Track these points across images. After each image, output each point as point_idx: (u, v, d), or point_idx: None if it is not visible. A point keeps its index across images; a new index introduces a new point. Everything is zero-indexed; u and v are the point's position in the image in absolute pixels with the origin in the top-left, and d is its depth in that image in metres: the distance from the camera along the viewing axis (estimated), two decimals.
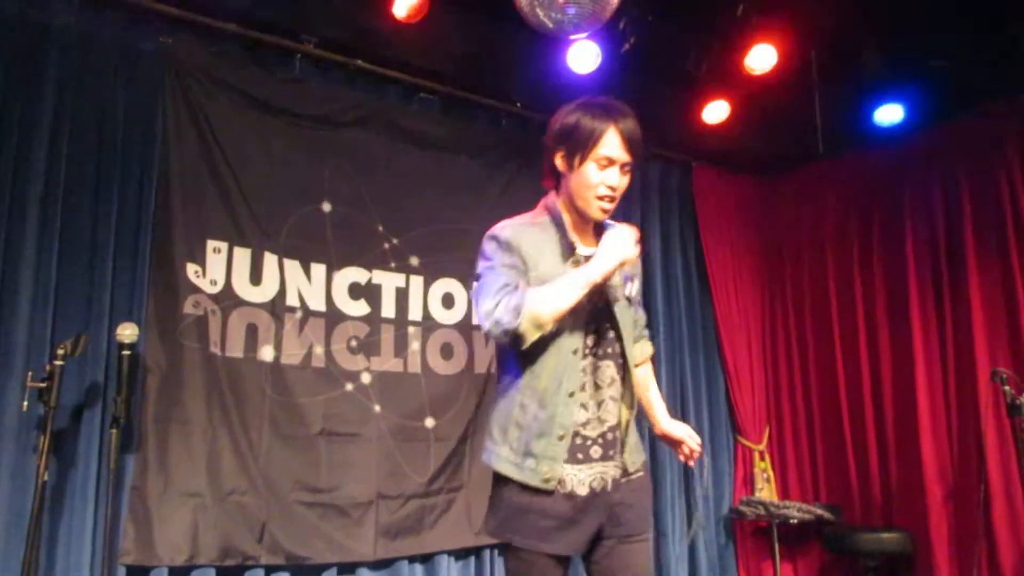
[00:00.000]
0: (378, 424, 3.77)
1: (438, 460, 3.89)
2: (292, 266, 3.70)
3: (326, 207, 3.84)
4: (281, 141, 3.75)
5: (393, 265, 3.96)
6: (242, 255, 3.58)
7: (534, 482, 1.97)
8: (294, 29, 3.83)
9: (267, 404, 3.53)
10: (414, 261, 4.03)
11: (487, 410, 4.02)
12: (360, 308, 3.85)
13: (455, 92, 4.30)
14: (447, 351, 4.06)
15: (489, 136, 4.45)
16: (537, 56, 4.13)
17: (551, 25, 3.53)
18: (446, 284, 4.12)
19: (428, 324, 4.02)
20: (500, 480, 2.04)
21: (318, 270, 3.77)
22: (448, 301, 4.12)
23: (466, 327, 4.13)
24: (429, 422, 3.92)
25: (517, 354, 2.01)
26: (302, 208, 3.77)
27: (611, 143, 2.06)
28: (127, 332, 3.07)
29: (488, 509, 2.10)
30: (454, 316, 4.12)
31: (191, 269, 3.42)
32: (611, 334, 2.09)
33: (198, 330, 3.40)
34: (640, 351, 2.35)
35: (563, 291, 1.95)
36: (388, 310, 3.90)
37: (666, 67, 4.53)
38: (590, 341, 2.06)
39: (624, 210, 4.91)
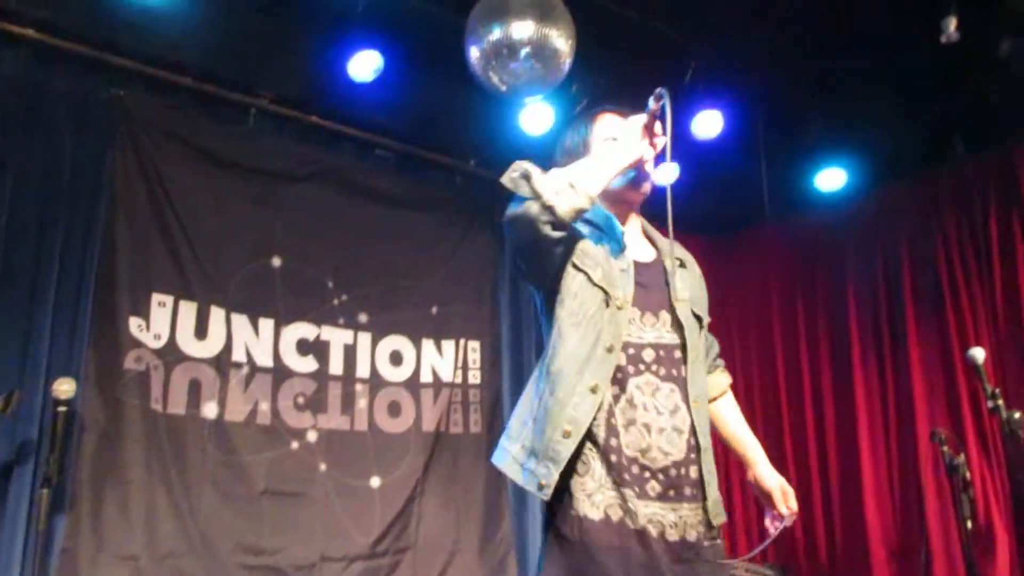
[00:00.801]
0: (323, 483, 3.70)
1: (384, 521, 3.82)
2: (239, 320, 3.66)
3: (276, 262, 3.81)
4: (232, 195, 3.73)
5: (342, 321, 3.93)
6: (188, 309, 3.53)
7: (530, 487, 1.75)
8: (250, 84, 3.85)
9: (209, 463, 3.44)
10: (363, 318, 4.01)
11: (435, 471, 4.03)
12: (308, 364, 3.81)
13: (410, 149, 4.34)
14: (394, 409, 4.02)
15: (443, 193, 4.49)
16: (491, 115, 4.21)
17: (504, 88, 3.60)
18: (394, 341, 4.10)
19: (376, 381, 3.99)
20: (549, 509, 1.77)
21: (266, 325, 3.72)
22: (396, 358, 4.09)
23: (414, 384, 4.10)
24: (375, 481, 3.85)
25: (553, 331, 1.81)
26: (252, 262, 3.74)
27: (606, 123, 2.01)
28: (64, 388, 2.98)
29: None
30: (402, 374, 4.09)
31: (134, 323, 3.36)
32: (677, 354, 1.86)
33: (139, 386, 3.32)
34: (716, 383, 2.17)
35: (595, 163, 1.82)
36: (336, 367, 3.87)
37: None
38: (648, 356, 1.83)
39: None
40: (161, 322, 3.43)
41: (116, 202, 3.41)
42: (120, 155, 3.46)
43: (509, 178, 1.77)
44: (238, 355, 3.62)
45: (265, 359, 3.69)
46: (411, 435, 4.03)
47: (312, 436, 3.73)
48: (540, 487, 1.73)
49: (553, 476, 1.72)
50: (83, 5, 3.35)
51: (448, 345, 4.28)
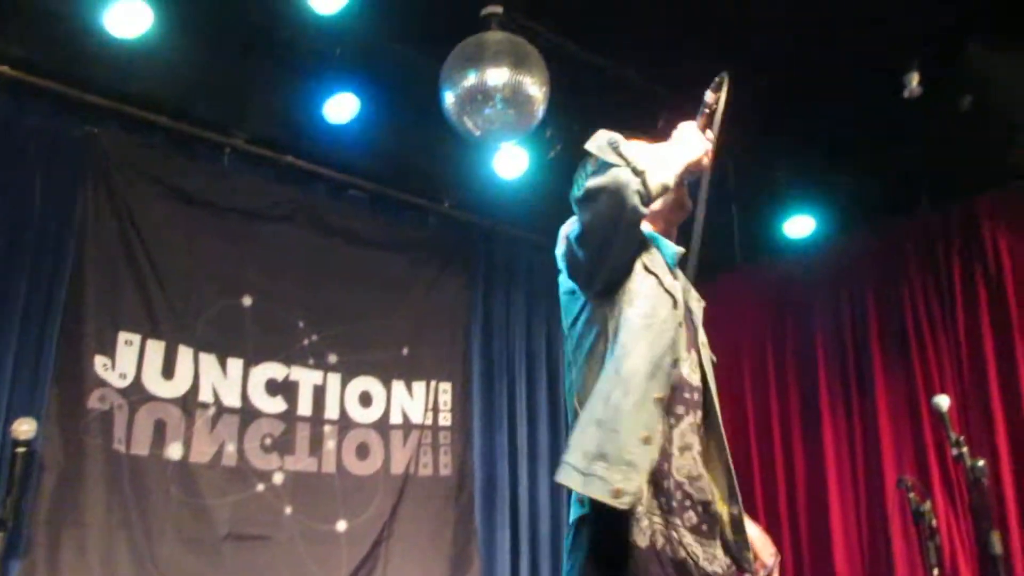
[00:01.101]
0: (289, 527, 3.64)
1: (351, 565, 3.77)
2: (208, 360, 3.62)
3: (247, 301, 3.80)
4: (205, 233, 3.73)
5: (312, 362, 3.91)
6: (155, 347, 3.49)
7: (599, 494, 1.54)
8: (225, 124, 3.87)
9: (171, 505, 3.38)
10: (333, 358, 3.99)
11: (403, 514, 3.98)
12: (276, 405, 3.77)
13: (384, 190, 4.37)
14: (363, 451, 3.99)
15: (416, 234, 4.51)
16: (465, 158, 4.24)
17: (478, 133, 3.65)
18: (364, 382, 4.08)
19: (344, 423, 3.95)
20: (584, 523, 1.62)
21: (235, 365, 3.69)
22: (365, 400, 4.07)
23: (383, 426, 4.07)
24: (342, 525, 3.80)
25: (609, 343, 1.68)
26: (222, 301, 3.72)
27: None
28: (23, 428, 2.93)
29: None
30: (371, 415, 4.06)
31: (100, 362, 3.31)
32: (697, 396, 1.81)
33: (102, 426, 3.27)
34: None
35: (669, 149, 1.74)
36: (304, 408, 3.84)
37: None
38: (687, 389, 1.77)
39: (548, 311, 4.99)
40: (127, 361, 3.39)
41: (85, 239, 3.39)
42: (92, 192, 3.45)
43: (595, 144, 1.66)
44: (205, 395, 3.58)
45: (233, 399, 3.65)
46: (379, 477, 3.99)
47: (279, 478, 3.68)
48: (616, 494, 1.53)
49: (634, 482, 1.56)
50: (59, 43, 3.35)
51: (419, 386, 4.26)
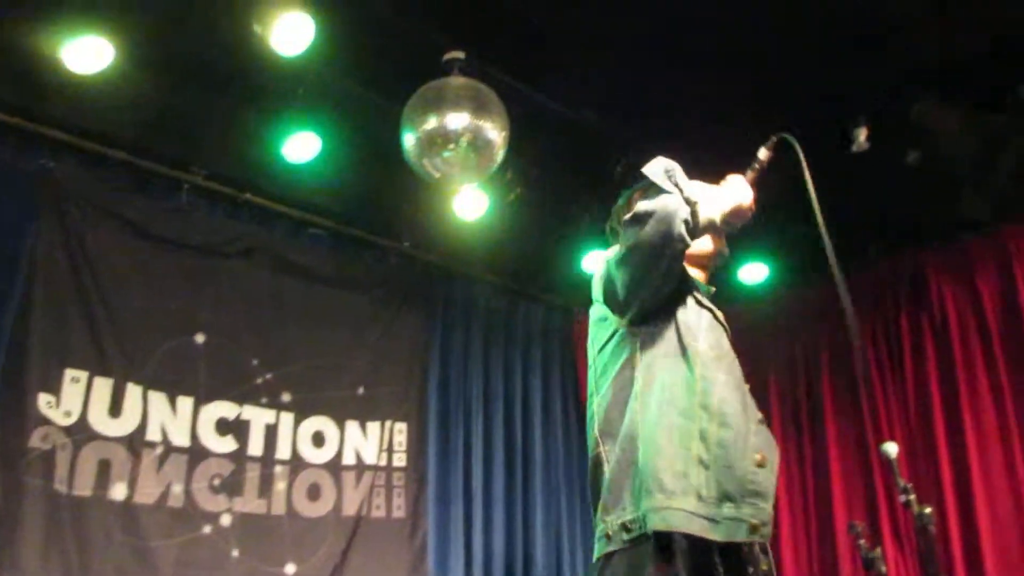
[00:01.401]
0: (235, 570, 3.56)
1: None
2: (157, 398, 3.56)
3: (200, 338, 3.75)
4: (159, 270, 3.69)
5: (264, 400, 3.86)
6: (103, 385, 3.42)
7: (741, 535, 1.57)
8: (184, 160, 3.85)
9: (114, 548, 3.28)
10: (286, 397, 3.94)
11: (355, 557, 3.92)
12: (226, 444, 3.71)
13: (344, 229, 4.37)
14: (314, 492, 3.92)
15: (376, 274, 4.50)
16: (425, 199, 4.26)
17: (437, 175, 3.69)
18: (318, 422, 4.03)
19: (296, 463, 3.89)
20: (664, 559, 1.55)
21: (184, 403, 3.63)
22: (319, 439, 4.02)
23: (336, 467, 4.02)
24: (290, 568, 3.72)
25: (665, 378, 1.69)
26: (174, 338, 3.67)
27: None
28: None
29: None
30: (324, 455, 4.01)
31: (43, 399, 3.24)
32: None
33: (43, 465, 3.18)
34: None
35: (716, 190, 1.79)
36: (255, 447, 3.77)
37: (550, 217, 4.75)
38: None
39: (506, 353, 5.00)
40: (73, 399, 3.32)
41: (35, 274, 3.33)
42: (45, 227, 3.39)
43: (651, 170, 1.69)
44: (153, 434, 3.51)
45: (181, 438, 3.58)
46: (331, 519, 3.93)
47: (226, 520, 3.61)
48: (754, 529, 1.58)
49: (767, 511, 1.61)
50: (15, 75, 3.33)
51: (373, 426, 4.23)
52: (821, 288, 4.92)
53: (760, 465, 1.63)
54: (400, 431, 4.35)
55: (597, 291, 1.87)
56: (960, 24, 3.39)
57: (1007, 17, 3.39)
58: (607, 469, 1.74)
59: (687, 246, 1.67)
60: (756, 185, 1.84)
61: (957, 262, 4.42)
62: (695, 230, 1.66)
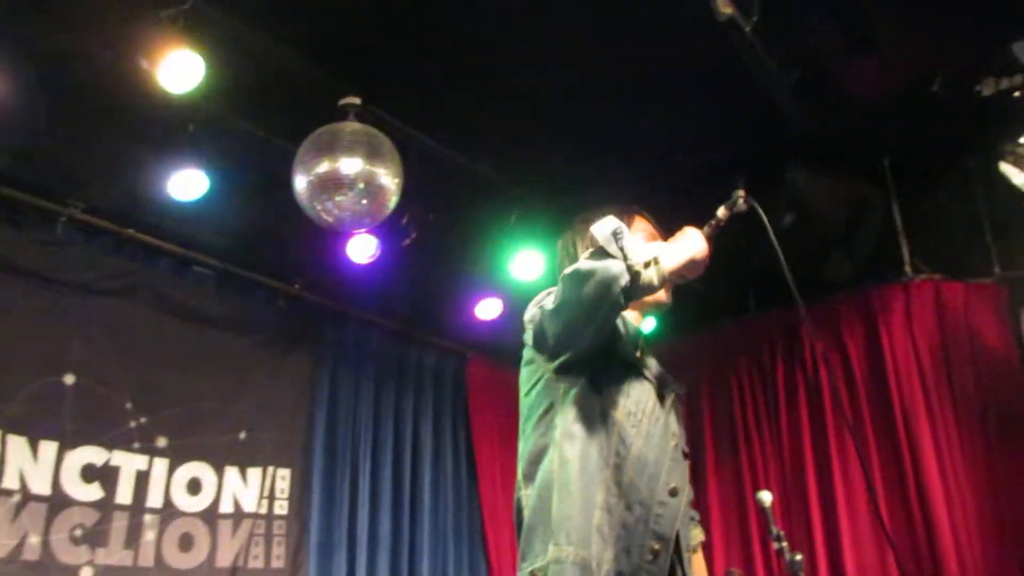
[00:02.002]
0: None
1: None
2: (16, 443, 3.35)
3: (69, 379, 3.56)
4: (27, 307, 3.49)
5: (137, 446, 3.69)
6: None
7: None
8: (61, 192, 3.69)
9: None
10: (161, 442, 3.78)
11: None
12: (92, 492, 3.51)
13: (231, 269, 4.26)
14: (186, 542, 3.75)
15: (265, 316, 4.40)
16: (317, 241, 4.21)
17: (330, 220, 3.66)
18: (194, 468, 3.87)
19: (168, 512, 3.72)
20: None
21: (47, 448, 3.42)
22: (195, 487, 3.86)
23: (211, 515, 3.86)
24: None
25: (584, 426, 1.71)
26: (39, 379, 3.48)
27: (640, 227, 2.03)
28: None
29: None
30: (199, 503, 3.85)
31: None
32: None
33: None
34: (692, 535, 2.08)
35: (670, 249, 1.76)
36: (124, 495, 3.59)
37: (444, 263, 4.78)
38: None
39: (397, 397, 4.96)
40: None
41: None
42: None
43: (601, 231, 1.66)
44: (10, 481, 3.29)
45: (42, 486, 3.37)
46: (203, 571, 3.76)
47: (87, 573, 3.40)
48: None
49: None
50: None
51: (254, 473, 4.10)
52: (703, 340, 5.13)
53: (654, 557, 1.64)
54: (283, 477, 4.23)
55: (528, 334, 1.90)
56: (830, 100, 3.65)
57: (872, 95, 3.68)
58: (526, 515, 1.77)
59: (621, 309, 1.70)
60: (711, 240, 1.87)
61: (826, 320, 4.68)
62: (633, 297, 1.67)
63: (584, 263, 1.67)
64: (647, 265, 1.66)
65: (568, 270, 1.70)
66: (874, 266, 4.47)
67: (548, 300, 1.80)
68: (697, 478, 4.90)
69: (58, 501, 3.40)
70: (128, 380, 3.74)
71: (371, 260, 4.26)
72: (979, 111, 3.65)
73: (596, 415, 1.76)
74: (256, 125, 3.72)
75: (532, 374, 1.90)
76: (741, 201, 1.87)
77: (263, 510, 4.10)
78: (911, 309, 4.42)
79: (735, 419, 4.86)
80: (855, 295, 4.61)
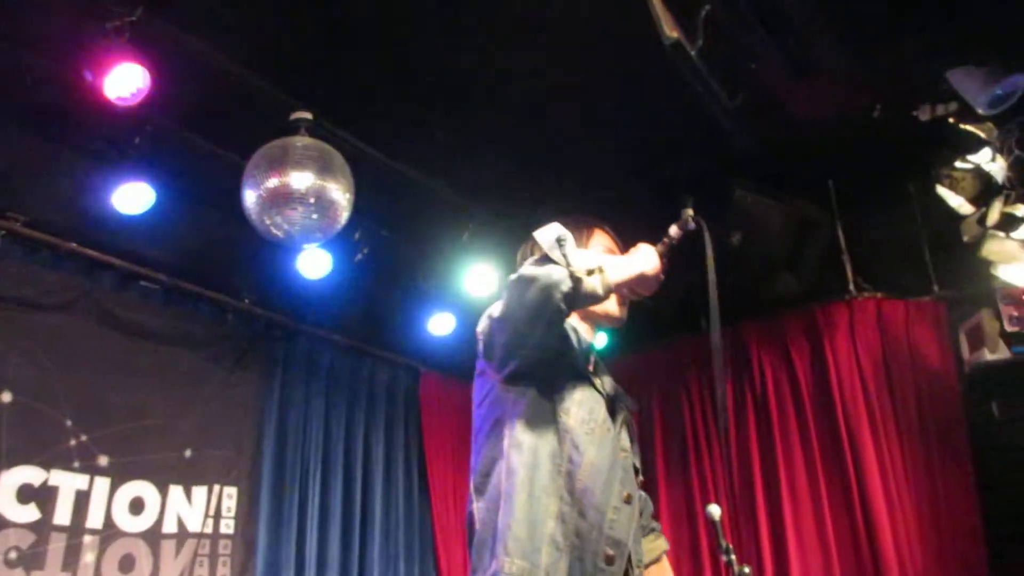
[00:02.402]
0: None
1: None
2: None
3: (6, 397, 3.45)
4: None
5: (77, 464, 3.59)
6: None
7: None
8: (1, 205, 3.59)
9: None
10: (103, 460, 3.68)
11: None
12: (28, 514, 3.39)
13: (179, 283, 4.18)
14: (127, 564, 3.65)
15: (213, 330, 4.33)
16: (267, 255, 4.17)
17: (280, 234, 3.63)
18: (138, 487, 3.78)
19: (109, 532, 3.62)
20: None
21: None
22: (137, 506, 3.76)
23: (154, 535, 3.77)
24: None
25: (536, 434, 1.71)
26: None
27: (600, 240, 2.04)
28: None
29: None
30: (142, 523, 3.75)
31: None
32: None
33: None
34: (653, 547, 2.12)
35: (618, 261, 1.77)
36: (63, 516, 3.48)
37: (397, 278, 4.76)
38: None
39: (348, 413, 4.91)
40: None
41: None
42: None
43: (544, 237, 1.66)
44: None
45: None
46: None
47: None
48: None
49: None
50: None
51: (200, 491, 4.01)
52: (655, 355, 5.19)
53: (608, 562, 1.64)
54: (230, 496, 4.16)
55: (479, 345, 1.89)
56: (774, 122, 3.75)
57: (814, 118, 3.78)
58: (477, 528, 1.77)
59: (564, 316, 1.69)
60: (665, 257, 1.86)
61: (772, 336, 4.77)
62: (575, 304, 1.67)
63: (527, 269, 1.66)
64: (590, 273, 1.65)
65: (512, 276, 1.71)
66: (819, 284, 4.57)
67: (496, 308, 1.80)
68: (648, 492, 4.92)
69: None
70: (69, 397, 3.64)
71: (323, 275, 4.24)
72: (918, 136, 3.78)
73: (546, 424, 1.76)
74: (205, 138, 3.67)
75: (483, 385, 1.91)
76: (691, 220, 1.86)
77: (208, 529, 4.02)
78: (855, 326, 4.53)
79: (686, 434, 4.92)
80: (801, 312, 4.70)
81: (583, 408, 1.78)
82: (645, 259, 1.82)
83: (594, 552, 1.64)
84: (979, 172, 3.53)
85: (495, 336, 1.79)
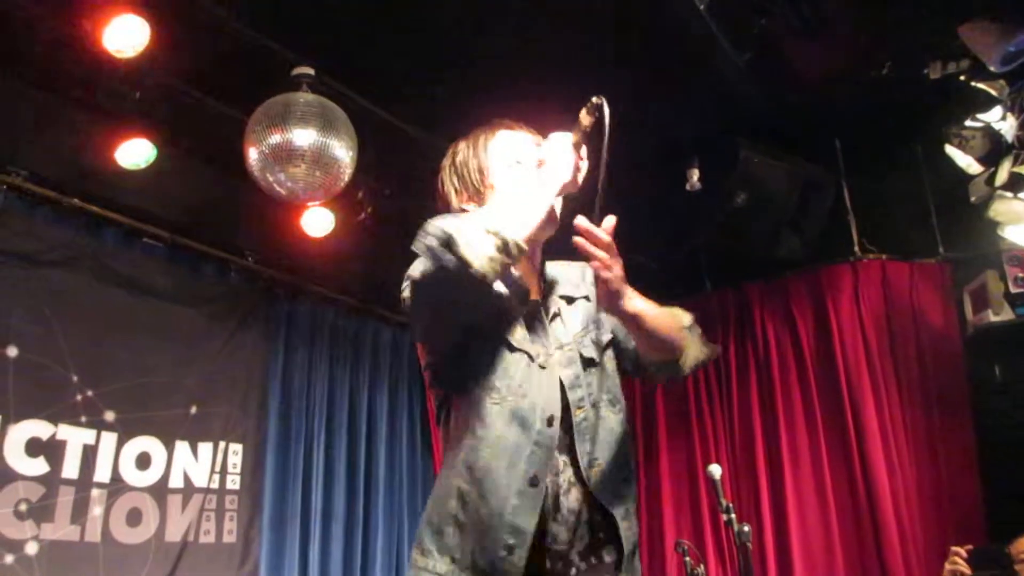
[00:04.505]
0: None
1: None
2: None
3: (11, 352, 3.46)
4: None
5: (84, 419, 3.61)
6: None
7: None
8: (3, 159, 3.57)
9: None
10: (109, 416, 3.70)
11: None
12: (37, 467, 3.43)
13: (182, 240, 4.16)
14: (134, 517, 3.69)
15: (216, 288, 4.32)
16: (271, 213, 4.16)
17: (283, 192, 3.61)
18: (144, 442, 3.80)
19: (116, 486, 3.65)
20: None
21: None
22: (144, 461, 3.79)
23: (161, 490, 3.80)
24: None
25: (458, 406, 1.60)
26: None
27: (504, 142, 1.80)
28: None
29: None
30: (148, 478, 3.78)
31: None
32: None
33: None
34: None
35: (518, 198, 1.57)
36: (71, 470, 3.51)
37: (401, 238, 4.72)
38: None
39: (352, 371, 4.93)
40: None
41: None
42: None
43: (424, 246, 1.50)
44: None
45: None
46: (151, 546, 3.71)
47: (32, 548, 3.33)
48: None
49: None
50: None
51: (205, 447, 4.04)
52: None
53: (509, 551, 1.51)
54: (235, 452, 4.19)
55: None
56: (782, 80, 3.70)
57: (823, 76, 3.74)
58: None
59: (486, 291, 1.54)
60: (580, 146, 1.65)
61: (776, 299, 4.77)
62: (489, 283, 1.50)
63: (423, 270, 1.54)
64: (498, 247, 1.45)
65: (409, 295, 1.59)
66: (824, 245, 4.56)
67: (416, 324, 1.73)
68: (650, 453, 4.99)
69: (2, 475, 3.32)
70: (74, 353, 3.65)
71: (326, 234, 4.23)
72: (927, 95, 3.73)
73: (469, 404, 1.63)
74: (206, 93, 3.64)
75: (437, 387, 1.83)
76: (595, 103, 1.62)
77: (214, 485, 4.05)
78: (859, 288, 4.52)
79: (688, 395, 4.94)
80: (805, 273, 4.70)
81: (505, 378, 1.63)
82: (545, 182, 1.59)
83: (495, 539, 1.52)
84: (989, 131, 3.50)
85: (423, 329, 1.76)
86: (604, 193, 1.61)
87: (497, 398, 1.59)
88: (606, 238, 1.57)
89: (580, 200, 1.71)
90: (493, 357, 1.62)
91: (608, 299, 1.65)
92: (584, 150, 1.66)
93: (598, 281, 1.62)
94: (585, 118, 1.63)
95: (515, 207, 1.57)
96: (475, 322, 1.63)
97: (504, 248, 1.45)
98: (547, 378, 1.65)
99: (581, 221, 1.57)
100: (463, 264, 1.43)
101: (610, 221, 1.60)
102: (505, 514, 1.52)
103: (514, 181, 1.72)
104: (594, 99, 1.61)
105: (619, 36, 3.51)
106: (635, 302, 1.68)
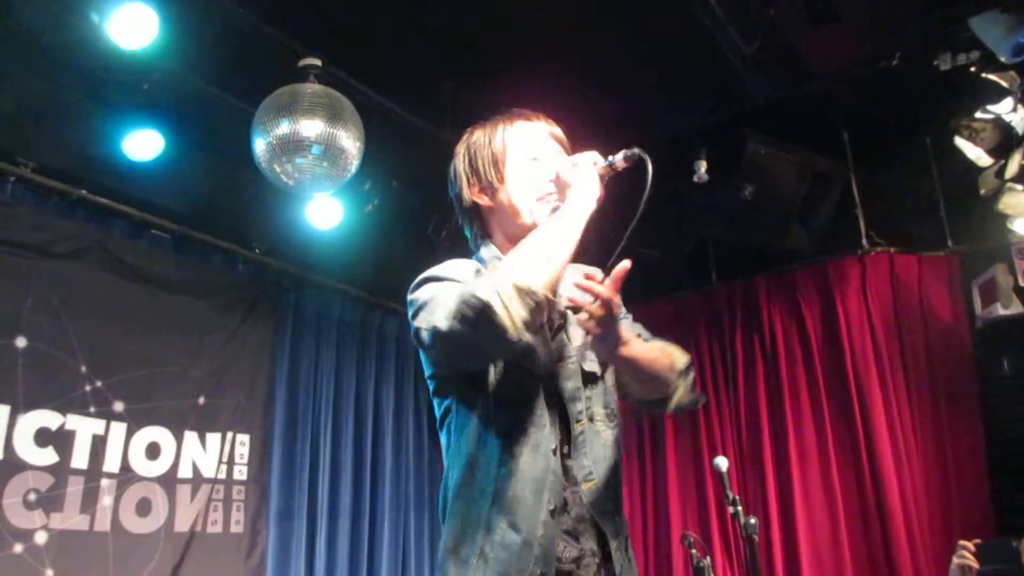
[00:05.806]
0: None
1: None
2: None
3: (21, 342, 3.49)
4: None
5: (93, 410, 3.63)
6: None
7: None
8: (10, 151, 3.59)
9: None
10: (118, 406, 3.72)
11: (187, 574, 3.75)
12: (46, 457, 3.45)
13: (189, 232, 4.18)
14: (144, 507, 3.72)
15: (223, 279, 4.34)
16: (278, 204, 4.16)
17: (289, 182, 3.61)
18: (153, 432, 3.82)
19: (126, 476, 3.68)
20: None
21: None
22: (153, 451, 3.82)
23: (170, 480, 3.83)
24: None
25: (481, 437, 1.56)
26: None
27: (522, 134, 1.78)
28: None
29: None
30: (158, 468, 3.81)
31: None
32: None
33: None
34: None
35: (548, 241, 1.50)
36: (80, 460, 3.54)
37: (408, 229, 4.75)
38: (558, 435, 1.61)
39: (359, 363, 4.94)
40: None
41: None
42: None
43: (457, 312, 1.44)
44: None
45: None
46: (160, 535, 3.74)
47: (41, 538, 3.36)
48: None
49: None
50: None
51: (213, 438, 4.07)
52: (664, 308, 5.18)
53: None
54: (243, 443, 4.21)
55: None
56: (790, 71, 3.68)
57: (831, 67, 3.71)
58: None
59: (518, 326, 1.47)
60: (605, 180, 1.66)
61: (784, 291, 4.75)
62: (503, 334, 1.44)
63: (435, 335, 1.48)
64: (534, 300, 1.42)
65: (428, 340, 1.52)
66: (832, 238, 4.54)
67: (431, 355, 1.65)
68: (656, 445, 4.98)
69: (11, 465, 3.35)
70: (82, 344, 3.67)
71: (333, 225, 4.23)
72: (935, 88, 3.71)
73: (483, 424, 1.61)
74: (214, 84, 3.64)
75: (427, 363, 1.77)
76: (637, 153, 1.61)
77: (222, 475, 4.08)
78: (867, 280, 4.50)
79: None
80: (813, 266, 4.68)
81: (527, 407, 1.61)
82: (577, 206, 1.57)
83: (521, 570, 1.49)
84: (999, 123, 3.47)
85: (443, 373, 1.70)
86: (627, 242, 1.57)
87: (518, 425, 1.57)
88: (605, 293, 1.52)
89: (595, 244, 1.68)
90: (511, 381, 1.61)
91: (600, 347, 1.64)
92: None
93: (587, 330, 1.59)
94: (620, 161, 1.63)
95: (544, 248, 1.52)
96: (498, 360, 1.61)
97: (537, 308, 1.43)
98: (549, 391, 1.64)
99: (589, 272, 1.58)
100: (500, 331, 1.40)
101: (623, 266, 1.58)
102: (535, 544, 1.50)
103: (539, 211, 1.70)
104: (636, 149, 1.61)
105: (627, 28, 3.50)
106: (630, 347, 1.64)
